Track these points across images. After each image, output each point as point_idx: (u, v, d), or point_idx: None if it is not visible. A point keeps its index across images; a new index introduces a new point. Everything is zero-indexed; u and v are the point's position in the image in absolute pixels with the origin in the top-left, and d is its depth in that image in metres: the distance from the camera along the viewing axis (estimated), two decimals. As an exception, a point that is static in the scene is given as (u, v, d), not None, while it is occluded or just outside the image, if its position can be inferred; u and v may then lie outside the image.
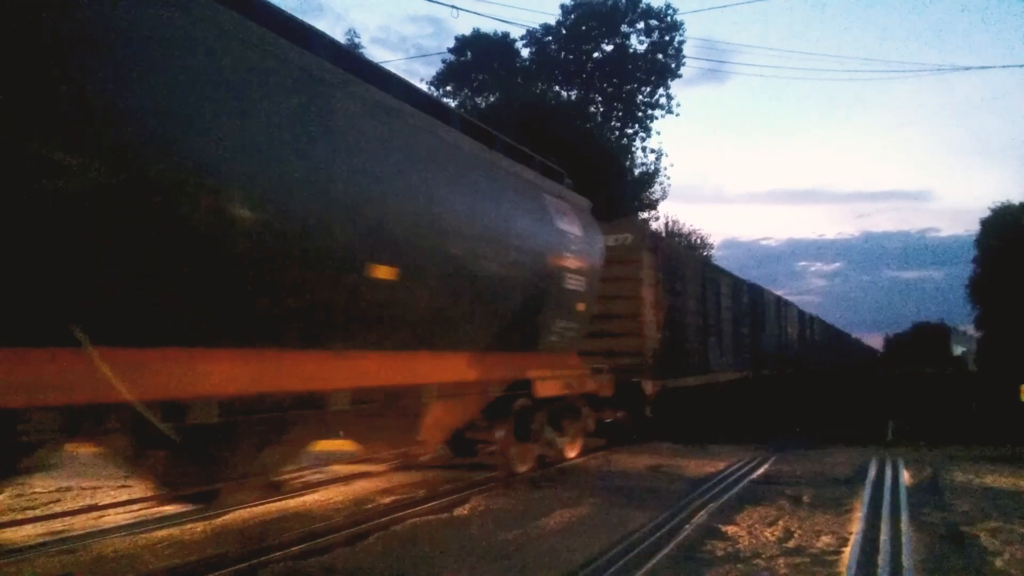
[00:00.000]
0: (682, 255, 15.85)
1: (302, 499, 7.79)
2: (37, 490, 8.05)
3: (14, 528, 6.37)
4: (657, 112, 33.62)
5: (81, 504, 7.47)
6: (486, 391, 8.01)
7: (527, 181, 8.87)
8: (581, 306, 9.63)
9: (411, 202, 6.27)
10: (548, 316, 8.91)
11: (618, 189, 26.35)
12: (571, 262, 9.22)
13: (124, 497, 7.66)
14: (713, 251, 41.73)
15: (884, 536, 6.10)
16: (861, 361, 79.57)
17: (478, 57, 33.02)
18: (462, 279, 7.02)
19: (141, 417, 4.22)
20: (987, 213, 31.03)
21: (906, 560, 5.45)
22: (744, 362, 19.93)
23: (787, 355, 27.72)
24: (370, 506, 7.40)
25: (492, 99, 30.87)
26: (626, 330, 12.49)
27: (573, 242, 9.36)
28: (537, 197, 8.91)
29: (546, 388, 8.97)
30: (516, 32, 34.43)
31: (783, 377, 26.06)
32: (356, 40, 30.65)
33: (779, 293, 30.35)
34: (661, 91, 33.58)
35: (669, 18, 33.09)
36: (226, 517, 6.92)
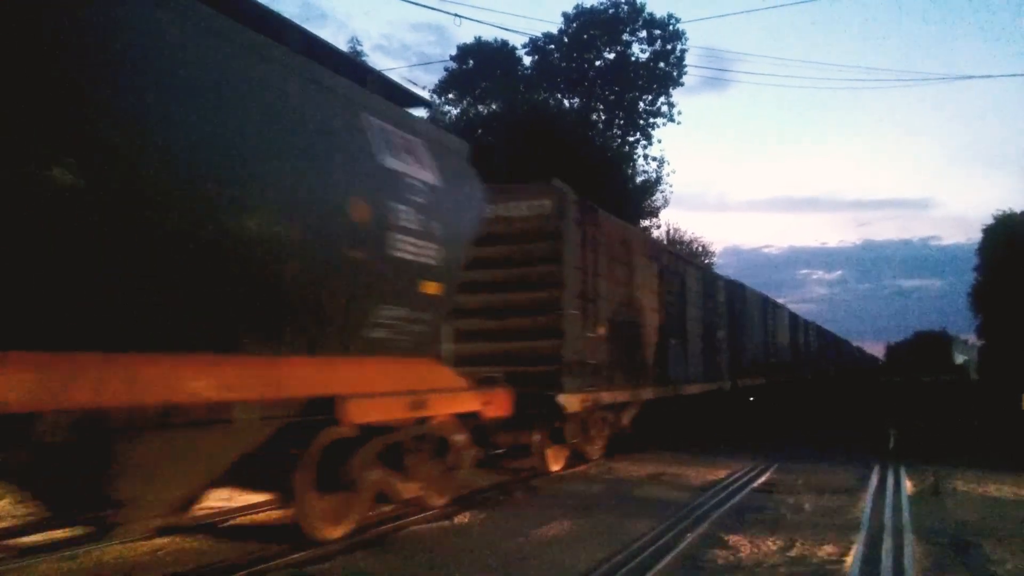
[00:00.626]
0: (629, 235, 12.42)
1: None
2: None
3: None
4: (659, 120, 33.70)
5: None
6: (251, 418, 5.10)
7: (324, 88, 5.71)
8: (433, 287, 6.68)
9: None
10: (362, 299, 5.93)
11: (620, 197, 26.38)
12: (411, 220, 6.25)
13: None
14: (715, 259, 41.89)
15: (886, 545, 6.09)
16: (861, 369, 79.55)
17: (480, 65, 33.13)
18: (145, 229, 4.30)
19: None
20: (989, 221, 31.11)
21: (909, 569, 5.44)
22: (718, 371, 17.07)
23: (776, 363, 25.21)
24: (370, 513, 7.37)
25: (494, 107, 30.97)
26: (540, 327, 9.51)
27: (417, 191, 6.38)
28: (346, 116, 5.87)
29: (368, 409, 5.94)
30: (518, 40, 34.52)
31: (771, 387, 23.77)
32: (359, 48, 30.74)
33: (781, 301, 30.26)
34: (663, 99, 33.66)
35: (671, 27, 33.20)
36: (226, 524, 6.91)
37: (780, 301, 30.00)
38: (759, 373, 21.90)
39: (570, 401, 9.32)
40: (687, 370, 14.48)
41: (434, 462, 7.31)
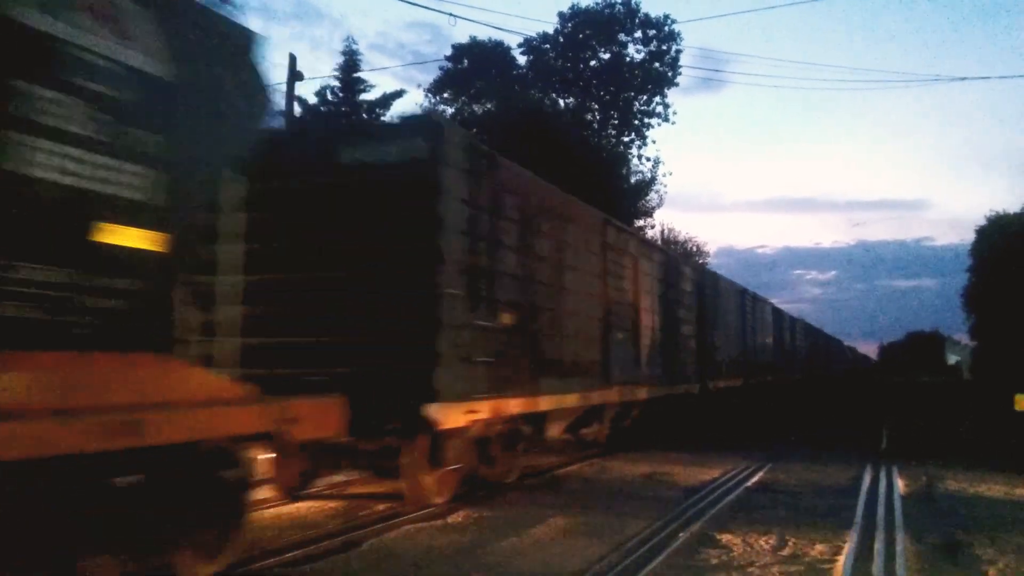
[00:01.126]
0: (556, 200, 9.91)
1: (296, 505, 7.74)
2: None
3: None
4: (654, 120, 33.79)
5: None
6: None
7: None
8: (138, 237, 4.25)
9: None
10: None
11: (615, 197, 26.42)
12: (75, 119, 3.87)
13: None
14: (709, 259, 42.06)
15: (878, 545, 6.12)
16: (855, 370, 79.84)
17: (475, 65, 33.11)
18: None
19: None
20: (982, 222, 31.30)
21: (900, 569, 5.46)
22: (682, 372, 14.72)
23: (756, 363, 23.01)
24: (364, 513, 7.37)
25: (489, 106, 30.98)
26: (404, 313, 6.97)
27: (103, 76, 3.99)
28: None
29: None
30: (513, 40, 34.53)
31: (750, 390, 21.63)
32: (354, 46, 30.70)
33: (775, 301, 30.13)
34: (658, 99, 33.74)
35: (667, 28, 33.26)
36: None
37: (774, 301, 29.91)
38: (736, 374, 19.83)
39: (448, 413, 6.88)
40: (638, 370, 12.22)
41: (187, 514, 4.60)
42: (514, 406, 8.15)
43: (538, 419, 9.12)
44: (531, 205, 8.97)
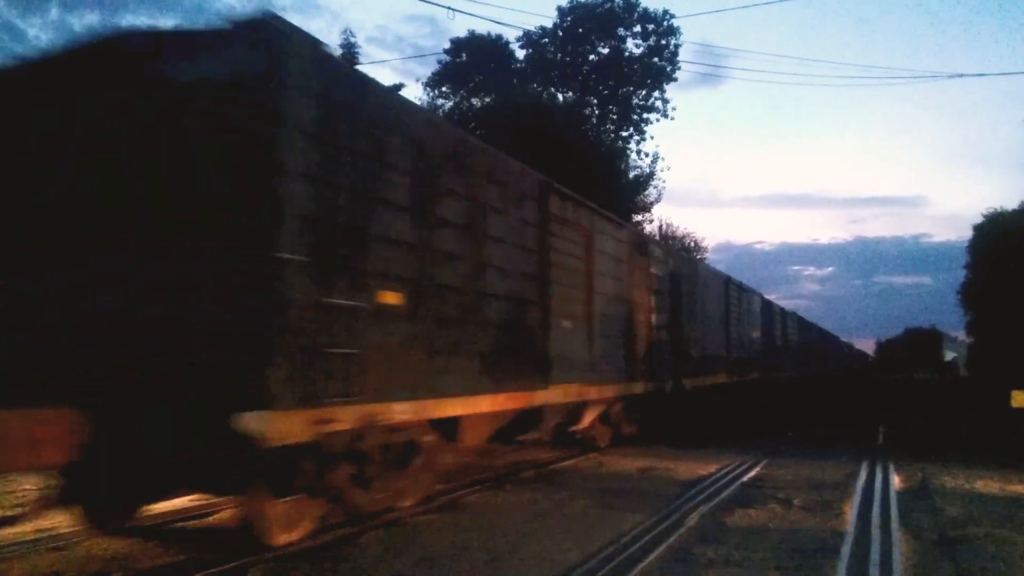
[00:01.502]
0: (465, 148, 7.74)
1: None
2: (26, 487, 8.01)
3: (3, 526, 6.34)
4: (652, 115, 33.84)
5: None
6: None
7: None
8: None
9: None
10: None
11: (613, 192, 26.42)
12: None
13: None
14: (708, 254, 42.13)
15: (875, 540, 6.14)
16: (852, 367, 79.86)
17: (474, 58, 33.11)
18: None
19: None
20: (980, 219, 31.31)
21: (896, 565, 5.48)
22: (651, 369, 13.04)
23: (742, 359, 21.32)
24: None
25: (488, 100, 30.95)
26: (218, 286, 5.03)
27: None
28: None
29: None
30: (512, 34, 34.56)
31: (736, 388, 20.24)
32: (352, 39, 30.65)
33: (772, 297, 29.99)
34: (656, 94, 33.79)
35: (666, 23, 33.27)
36: (220, 515, 6.90)
37: (771, 296, 29.83)
38: (718, 370, 18.29)
39: (281, 424, 4.87)
40: (591, 366, 10.44)
41: None
42: (399, 412, 6.17)
43: (447, 426, 7.29)
44: (433, 154, 6.88)
